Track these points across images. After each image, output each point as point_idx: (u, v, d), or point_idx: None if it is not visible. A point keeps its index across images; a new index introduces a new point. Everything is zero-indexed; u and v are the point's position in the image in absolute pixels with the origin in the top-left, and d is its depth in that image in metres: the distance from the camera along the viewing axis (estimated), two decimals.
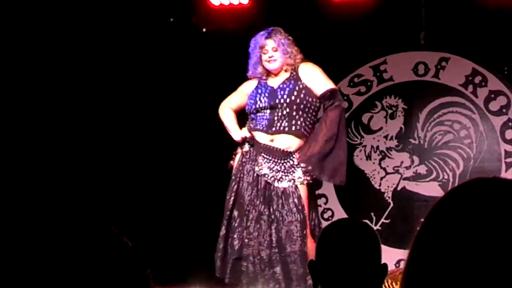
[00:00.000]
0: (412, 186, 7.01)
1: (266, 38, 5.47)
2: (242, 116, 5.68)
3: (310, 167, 5.33)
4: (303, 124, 5.41)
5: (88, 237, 2.04)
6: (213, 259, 5.49)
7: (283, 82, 5.46)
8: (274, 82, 5.52)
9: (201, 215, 6.67)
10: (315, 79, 5.46)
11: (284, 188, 5.33)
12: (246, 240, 5.36)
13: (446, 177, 6.95)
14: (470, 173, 6.87)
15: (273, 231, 5.33)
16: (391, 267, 5.67)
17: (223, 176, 5.83)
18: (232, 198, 5.43)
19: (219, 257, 5.43)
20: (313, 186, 5.53)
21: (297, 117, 5.41)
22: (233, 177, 5.51)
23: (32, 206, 6.83)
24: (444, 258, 1.21)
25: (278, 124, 5.41)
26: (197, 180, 7.06)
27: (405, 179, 7.03)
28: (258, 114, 5.47)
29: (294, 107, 5.38)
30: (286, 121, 5.40)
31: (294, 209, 5.28)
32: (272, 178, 5.36)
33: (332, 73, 5.74)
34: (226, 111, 5.69)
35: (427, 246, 1.25)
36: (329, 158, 5.37)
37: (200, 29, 7.24)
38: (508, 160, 6.86)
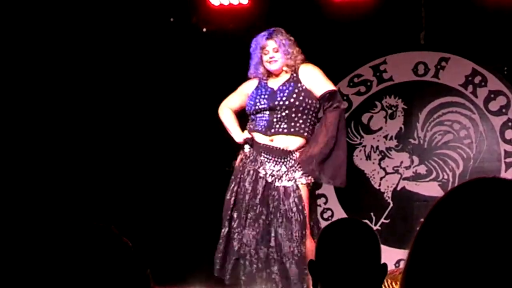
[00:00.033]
0: (411, 186, 7.01)
1: (267, 38, 5.46)
2: (243, 118, 5.67)
3: (310, 168, 5.33)
4: (302, 125, 5.41)
5: (88, 237, 2.04)
6: (213, 259, 5.49)
7: (283, 84, 5.46)
8: (274, 83, 5.52)
9: (201, 215, 6.67)
10: (315, 81, 5.45)
11: (285, 187, 5.33)
12: (244, 240, 5.36)
13: (446, 177, 6.95)
14: (470, 173, 6.87)
15: (272, 230, 5.33)
16: (390, 267, 5.68)
17: (223, 176, 5.84)
18: (232, 198, 5.43)
19: (219, 258, 5.43)
20: (314, 186, 5.53)
21: (296, 118, 5.40)
22: (233, 178, 5.51)
23: (32, 206, 6.83)
24: (443, 258, 1.21)
25: (277, 126, 5.41)
26: (197, 180, 7.06)
27: (404, 179, 7.03)
28: (258, 115, 5.48)
29: (293, 109, 5.38)
30: (285, 123, 5.40)
31: (294, 209, 5.28)
32: (273, 178, 5.36)
33: (332, 73, 5.74)
34: (227, 112, 5.68)
35: (426, 246, 1.25)
36: (328, 160, 5.36)
37: (200, 29, 7.24)
38: (507, 160, 6.86)
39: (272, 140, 5.41)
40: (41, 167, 7.00)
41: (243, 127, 5.63)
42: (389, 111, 7.12)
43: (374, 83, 7.17)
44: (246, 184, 5.40)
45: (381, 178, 7.08)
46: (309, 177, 5.37)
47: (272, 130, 5.41)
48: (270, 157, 5.38)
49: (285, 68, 5.49)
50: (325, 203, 7.01)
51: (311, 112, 5.44)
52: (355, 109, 7.18)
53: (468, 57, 6.94)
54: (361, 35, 7.01)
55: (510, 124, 6.87)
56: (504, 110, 6.89)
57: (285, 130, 5.39)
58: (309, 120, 5.44)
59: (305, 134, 5.41)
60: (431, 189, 6.88)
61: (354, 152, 7.09)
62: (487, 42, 6.81)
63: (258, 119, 5.47)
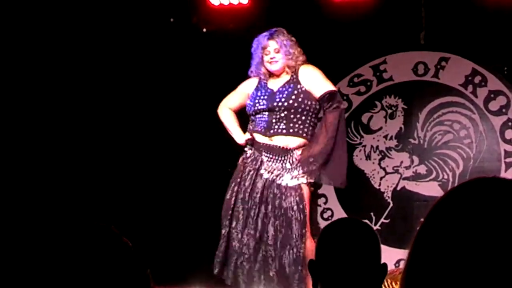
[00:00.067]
0: (411, 186, 7.01)
1: (269, 39, 5.46)
2: (244, 118, 5.67)
3: (310, 168, 5.33)
4: (301, 126, 5.41)
5: (88, 237, 2.04)
6: (213, 259, 5.49)
7: (283, 86, 5.46)
8: (274, 84, 5.52)
9: (201, 215, 6.67)
10: (314, 81, 5.45)
11: (286, 186, 5.33)
12: (244, 240, 5.36)
13: (445, 177, 6.95)
14: (470, 173, 6.87)
15: (271, 229, 5.33)
16: (390, 267, 5.68)
17: (223, 176, 5.84)
18: (233, 198, 5.43)
19: (220, 258, 5.42)
20: (314, 186, 5.53)
21: (295, 119, 5.40)
22: (233, 178, 5.51)
23: (33, 206, 6.83)
24: (443, 258, 1.21)
25: (276, 126, 5.41)
26: (197, 180, 7.06)
27: (404, 179, 7.03)
28: (257, 116, 5.48)
29: (292, 110, 5.39)
30: (284, 124, 5.40)
31: (295, 207, 5.27)
32: (273, 176, 5.36)
33: (332, 73, 5.74)
34: (227, 113, 5.68)
35: (426, 246, 1.25)
36: (329, 160, 5.36)
37: (200, 29, 7.24)
38: (507, 160, 6.86)
39: (271, 140, 5.42)
40: (41, 167, 7.00)
41: (243, 127, 5.64)
42: (389, 111, 7.12)
43: (374, 83, 7.17)
44: (247, 183, 5.40)
45: (381, 178, 7.08)
46: (310, 177, 5.37)
47: (271, 131, 5.42)
48: (271, 156, 5.39)
49: (286, 69, 5.49)
50: (325, 203, 7.01)
51: (310, 114, 5.44)
52: (355, 109, 7.18)
53: (468, 57, 6.94)
54: (361, 35, 7.01)
55: (510, 124, 6.87)
56: (504, 110, 6.89)
57: (284, 131, 5.39)
58: (308, 121, 5.43)
59: (304, 134, 5.41)
60: (431, 189, 6.88)
61: (354, 152, 7.09)
62: (487, 42, 6.81)
63: (257, 120, 5.48)
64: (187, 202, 7.05)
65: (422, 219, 1.31)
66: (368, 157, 7.13)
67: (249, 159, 5.44)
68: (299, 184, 5.33)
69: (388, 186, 7.05)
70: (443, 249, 1.22)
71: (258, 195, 5.35)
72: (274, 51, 5.46)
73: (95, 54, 7.13)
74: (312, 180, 5.39)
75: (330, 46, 6.93)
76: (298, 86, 5.43)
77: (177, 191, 7.12)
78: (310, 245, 5.16)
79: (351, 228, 2.60)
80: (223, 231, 5.42)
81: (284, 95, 5.41)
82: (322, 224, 5.73)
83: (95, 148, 7.17)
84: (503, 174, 6.75)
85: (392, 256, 6.25)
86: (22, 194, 6.86)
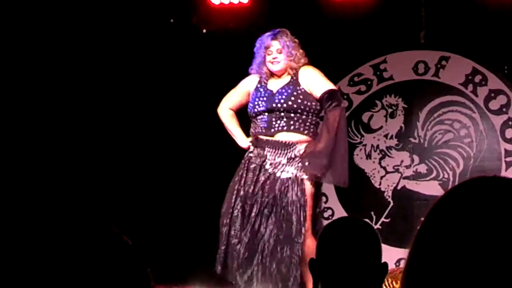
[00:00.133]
0: (412, 185, 7.01)
1: (272, 39, 5.48)
2: (245, 119, 5.68)
3: (313, 168, 5.34)
4: (302, 124, 5.42)
5: (88, 236, 2.04)
6: (213, 259, 5.49)
7: (282, 87, 5.47)
8: (274, 85, 5.53)
9: (201, 215, 6.67)
10: (314, 82, 5.46)
11: (288, 179, 5.34)
12: (244, 238, 5.37)
13: (446, 176, 6.95)
14: (470, 172, 6.86)
15: (271, 226, 5.34)
16: (391, 266, 5.66)
17: (223, 175, 5.84)
18: (233, 197, 5.43)
19: (221, 257, 5.43)
20: (317, 186, 5.53)
21: (295, 118, 5.42)
22: (235, 177, 5.52)
23: (33, 206, 6.83)
24: (444, 257, 1.21)
25: (276, 125, 5.43)
26: (198, 180, 7.06)
27: (405, 178, 7.03)
28: (258, 118, 5.51)
29: (292, 111, 5.41)
30: (284, 121, 5.42)
31: (296, 202, 5.28)
32: (277, 170, 5.37)
33: (332, 72, 5.74)
34: (228, 115, 5.69)
35: (427, 245, 1.25)
36: (331, 160, 5.37)
37: (200, 30, 7.23)
38: (508, 159, 6.86)
39: (274, 137, 5.43)
40: (41, 167, 7.00)
41: (243, 127, 5.65)
42: (390, 110, 7.12)
43: (374, 82, 7.17)
44: (249, 181, 5.41)
45: (381, 177, 7.08)
46: (313, 171, 5.38)
47: (272, 130, 5.43)
48: (274, 150, 5.40)
49: (288, 70, 5.50)
50: (325, 202, 7.01)
51: (310, 114, 5.45)
52: (356, 108, 7.18)
53: (468, 56, 6.94)
54: (361, 34, 7.01)
55: (510, 123, 6.87)
56: (504, 109, 6.89)
57: (285, 128, 5.41)
58: (309, 120, 5.44)
59: (306, 131, 5.42)
60: (432, 188, 6.88)
61: (355, 151, 7.09)
62: (488, 41, 6.81)
63: (258, 121, 5.51)
64: (187, 202, 7.05)
65: (422, 218, 1.31)
66: (368, 156, 7.13)
67: (253, 157, 5.46)
68: (302, 179, 5.34)
69: (388, 185, 7.05)
70: (443, 248, 1.22)
71: (260, 191, 5.36)
72: (276, 51, 5.47)
73: (95, 54, 7.13)
74: (316, 173, 5.37)
75: (330, 45, 6.93)
76: (298, 88, 5.44)
77: (177, 191, 7.12)
78: (311, 244, 5.16)
79: (352, 227, 2.59)
80: (224, 229, 5.42)
81: (283, 97, 5.43)
82: (323, 223, 5.72)
83: (96, 148, 7.17)
84: (503, 173, 6.75)
85: (393, 255, 6.24)
86: (22, 194, 6.86)
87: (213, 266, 5.47)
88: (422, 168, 7.00)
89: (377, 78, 7.16)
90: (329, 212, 7.05)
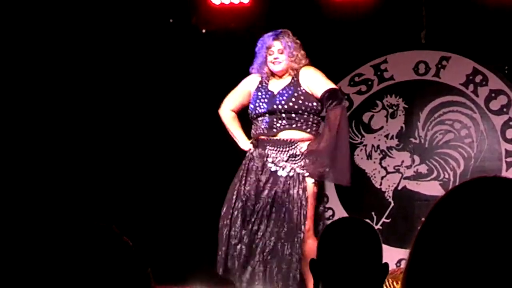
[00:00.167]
0: (413, 186, 7.01)
1: (274, 39, 5.49)
2: (246, 120, 5.68)
3: (316, 167, 5.34)
4: (304, 122, 5.44)
5: (89, 236, 2.04)
6: (213, 259, 5.49)
7: (283, 88, 5.49)
8: (275, 86, 5.54)
9: (201, 215, 6.67)
10: (315, 82, 5.47)
11: (289, 177, 5.34)
12: (245, 239, 5.38)
13: (447, 176, 6.94)
14: (471, 172, 6.86)
15: (272, 225, 5.35)
16: (392, 266, 5.67)
17: (223, 175, 5.84)
18: (234, 197, 5.44)
19: (223, 258, 5.43)
20: (322, 185, 5.52)
21: (296, 118, 5.44)
22: (236, 176, 5.52)
23: (33, 206, 6.83)
24: (445, 257, 1.21)
25: (278, 124, 5.44)
26: (198, 180, 7.06)
27: (405, 178, 7.03)
28: (259, 119, 5.52)
29: (292, 112, 5.43)
30: (286, 121, 5.44)
31: (297, 200, 5.28)
32: (278, 168, 5.37)
33: (332, 72, 5.75)
34: (230, 117, 5.70)
35: (428, 246, 1.25)
36: (333, 158, 5.37)
37: (200, 30, 7.23)
38: (508, 159, 6.85)
39: (276, 136, 5.44)
40: (42, 167, 7.00)
41: (244, 128, 5.66)
42: (390, 110, 7.12)
43: (375, 82, 7.17)
44: (250, 182, 5.42)
45: (382, 178, 7.07)
46: (315, 170, 5.38)
47: (274, 130, 5.45)
48: (275, 148, 5.41)
49: (289, 71, 5.50)
50: (326, 203, 7.00)
51: (311, 115, 5.46)
52: (356, 108, 7.17)
53: (469, 56, 6.94)
54: (361, 34, 7.01)
55: (511, 123, 6.87)
56: (505, 109, 6.89)
57: (287, 126, 5.43)
58: (311, 120, 5.46)
59: (309, 130, 5.44)
60: (432, 189, 6.88)
61: (355, 151, 7.08)
62: (488, 41, 6.80)
63: (259, 122, 5.52)
64: (187, 202, 7.05)
65: (423, 219, 1.31)
66: (369, 156, 7.12)
67: (254, 157, 5.46)
68: (303, 177, 5.34)
69: (389, 186, 7.05)
70: (444, 249, 1.21)
71: (261, 191, 5.37)
72: (278, 52, 5.48)
73: (95, 54, 7.13)
74: (318, 171, 5.37)
75: (330, 45, 6.93)
76: (298, 89, 5.46)
77: (177, 191, 7.12)
78: (312, 244, 5.16)
79: (353, 228, 2.59)
80: (224, 231, 5.42)
81: (284, 98, 5.44)
82: (326, 224, 5.72)
83: (96, 149, 7.17)
84: (504, 174, 6.75)
85: (393, 256, 6.24)
86: (23, 194, 6.86)
87: (214, 268, 5.47)
88: (423, 169, 7.00)
89: (378, 78, 7.16)
90: (330, 212, 7.05)
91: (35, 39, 6.99)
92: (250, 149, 5.54)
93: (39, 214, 6.73)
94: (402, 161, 7.05)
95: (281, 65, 5.50)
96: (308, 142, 5.41)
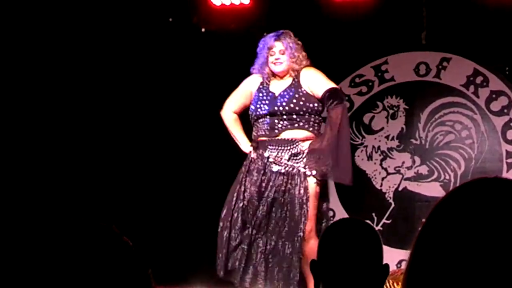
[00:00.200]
0: (413, 187, 7.01)
1: (275, 40, 5.50)
2: (245, 119, 5.68)
3: (318, 166, 5.34)
4: (306, 122, 5.45)
5: (89, 236, 2.04)
6: (214, 259, 5.49)
7: (284, 90, 5.50)
8: (276, 87, 5.54)
9: (202, 215, 6.67)
10: (315, 82, 5.48)
11: (291, 176, 5.34)
12: (245, 240, 5.38)
13: (447, 177, 6.94)
14: (472, 173, 6.86)
15: (273, 224, 5.35)
16: (392, 267, 5.68)
17: (224, 175, 5.84)
18: (234, 199, 5.44)
19: (223, 260, 5.42)
20: (325, 186, 5.52)
21: (298, 119, 5.45)
22: (237, 180, 5.52)
23: (33, 206, 6.83)
24: (445, 259, 1.21)
25: (279, 126, 5.45)
26: (198, 180, 7.06)
27: (406, 179, 7.03)
28: (259, 121, 5.53)
29: (294, 113, 5.44)
30: (287, 121, 5.44)
31: (299, 198, 5.28)
32: (281, 168, 5.38)
33: (333, 73, 5.75)
34: (231, 118, 5.70)
35: (428, 247, 1.25)
36: (334, 157, 5.38)
37: (199, 29, 7.23)
38: (509, 160, 6.85)
39: (277, 137, 5.45)
40: (42, 167, 7.00)
41: (245, 128, 5.66)
42: (391, 111, 7.12)
43: (375, 83, 7.17)
44: (251, 183, 5.42)
45: (382, 179, 7.07)
46: (317, 169, 5.38)
47: (276, 131, 5.46)
48: (276, 147, 5.41)
49: (290, 72, 5.51)
50: (328, 202, 7.00)
51: (312, 115, 5.48)
52: (357, 109, 7.17)
53: (469, 57, 6.94)
54: (362, 35, 7.01)
55: (511, 124, 6.87)
56: (505, 111, 6.89)
57: (288, 127, 5.44)
58: (312, 119, 5.47)
59: (311, 128, 5.45)
60: (433, 190, 6.88)
61: (356, 152, 7.08)
62: (489, 42, 6.80)
63: (260, 124, 5.52)
64: (188, 202, 7.05)
65: (423, 220, 1.31)
66: (369, 157, 7.12)
67: (255, 159, 5.46)
68: (305, 176, 5.34)
69: (389, 187, 7.05)
70: (444, 250, 1.21)
71: (263, 191, 5.37)
72: (279, 52, 5.49)
73: (94, 53, 7.13)
74: (320, 169, 5.37)
75: (331, 46, 6.93)
76: (299, 90, 5.47)
77: (177, 191, 7.12)
78: (314, 245, 5.15)
79: (353, 229, 2.59)
80: (224, 233, 5.42)
81: (285, 99, 5.45)
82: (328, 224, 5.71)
83: (96, 149, 7.17)
84: (504, 175, 6.75)
85: (394, 257, 6.24)
86: (23, 194, 6.86)
87: (214, 270, 5.46)
88: (423, 170, 7.00)
89: (378, 79, 7.16)
90: (330, 213, 7.03)
91: (34, 38, 6.99)
92: (250, 151, 5.54)
93: (39, 214, 6.73)
94: (403, 162, 7.05)
95: (282, 66, 5.51)
96: (309, 141, 5.42)
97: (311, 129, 5.45)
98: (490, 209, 1.22)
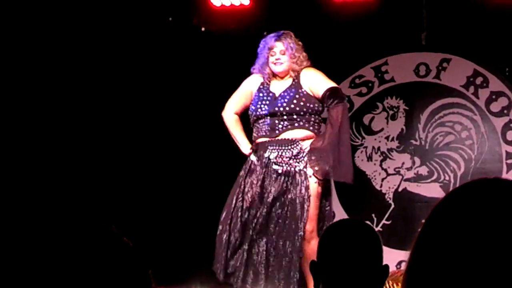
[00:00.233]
0: (413, 187, 7.01)
1: (276, 40, 5.51)
2: (248, 125, 5.68)
3: (320, 165, 5.35)
4: (306, 121, 5.46)
5: (89, 237, 2.04)
6: (213, 259, 5.49)
7: (285, 90, 5.50)
8: (276, 87, 5.55)
9: (202, 216, 6.67)
10: (316, 82, 5.49)
11: (292, 175, 5.34)
12: (246, 241, 5.38)
13: (447, 178, 6.94)
14: (471, 174, 6.86)
15: (273, 225, 5.35)
16: (392, 268, 5.67)
17: (224, 176, 5.84)
18: (233, 202, 5.43)
19: (223, 264, 5.42)
20: (327, 186, 5.52)
21: (298, 119, 5.45)
22: (236, 182, 5.52)
23: (33, 206, 6.83)
24: (445, 259, 1.21)
25: (280, 126, 5.46)
26: (198, 181, 7.06)
27: (406, 180, 7.03)
28: (260, 121, 5.53)
29: (294, 113, 5.44)
30: (287, 122, 5.45)
31: (300, 198, 5.28)
32: (279, 167, 5.38)
33: (333, 74, 5.75)
34: (232, 120, 5.70)
35: (428, 247, 1.25)
36: (336, 155, 5.38)
37: (200, 29, 7.23)
38: (509, 161, 6.85)
39: (278, 137, 5.45)
40: (42, 167, 7.00)
41: (245, 129, 5.66)
42: (391, 112, 7.12)
43: (375, 84, 7.17)
44: (251, 185, 5.42)
45: (382, 179, 7.07)
46: (318, 167, 5.37)
47: (276, 132, 5.46)
48: (277, 147, 5.41)
49: (290, 72, 5.51)
50: (330, 203, 6.99)
51: (313, 115, 5.48)
52: (357, 110, 7.18)
53: (469, 58, 6.94)
54: (362, 36, 7.01)
55: (511, 125, 6.87)
56: (505, 111, 6.89)
57: (289, 127, 5.45)
58: (312, 119, 5.47)
59: (311, 128, 5.45)
60: (433, 190, 6.88)
61: (356, 153, 7.08)
62: (489, 43, 6.81)
63: (260, 125, 5.52)
64: (187, 203, 7.04)
65: (423, 221, 1.31)
66: (369, 158, 7.12)
67: (255, 162, 5.46)
68: (306, 176, 5.34)
69: (389, 187, 7.05)
70: (444, 251, 1.21)
71: (264, 192, 5.37)
72: (280, 53, 5.50)
73: (94, 53, 7.13)
74: (322, 167, 5.37)
75: (331, 47, 6.93)
76: (300, 90, 5.47)
77: (177, 191, 7.12)
78: (315, 245, 5.14)
79: (353, 229, 2.59)
80: (223, 236, 5.41)
81: (286, 100, 5.46)
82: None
83: (95, 149, 7.17)
84: (504, 175, 6.75)
85: (394, 258, 6.24)
86: (23, 194, 6.86)
87: (217, 275, 5.45)
88: (423, 170, 7.00)
89: (378, 80, 7.16)
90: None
91: (35, 39, 6.99)
92: (250, 153, 5.53)
93: (39, 215, 6.73)
94: (403, 163, 7.05)
95: (282, 66, 5.51)
96: (310, 140, 5.42)
97: (311, 128, 5.46)
98: (490, 210, 1.22)
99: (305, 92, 5.47)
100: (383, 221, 6.97)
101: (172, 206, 7.08)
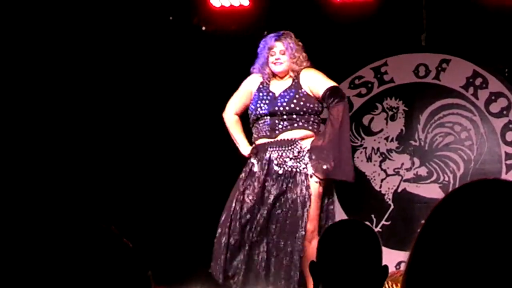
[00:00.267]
0: (412, 188, 7.01)
1: (276, 40, 5.52)
2: (248, 125, 5.68)
3: (320, 164, 5.35)
4: (306, 121, 5.46)
5: (88, 237, 2.04)
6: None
7: (285, 90, 5.50)
8: (276, 87, 5.55)
9: (201, 216, 6.67)
10: (316, 82, 5.49)
11: (293, 175, 5.35)
12: (247, 243, 5.38)
13: (446, 179, 6.94)
14: (471, 175, 6.86)
15: (273, 227, 5.35)
16: (391, 269, 5.68)
17: (224, 176, 5.84)
18: (233, 205, 5.43)
19: (222, 266, 5.42)
20: (328, 186, 5.52)
21: (297, 119, 5.46)
22: (237, 185, 5.52)
23: (33, 206, 6.83)
24: (445, 260, 1.21)
25: (280, 126, 5.46)
26: (198, 181, 7.06)
27: (405, 180, 7.03)
28: (259, 121, 5.53)
29: (294, 113, 5.45)
30: (287, 122, 5.45)
31: (301, 197, 5.28)
32: (280, 167, 5.38)
33: (332, 75, 5.75)
34: (233, 121, 5.71)
35: (428, 248, 1.25)
36: (336, 154, 5.38)
37: (200, 29, 7.23)
38: (508, 162, 6.85)
39: (277, 137, 5.45)
40: (42, 168, 7.00)
41: (245, 130, 5.66)
42: (390, 113, 7.12)
43: (375, 85, 7.17)
44: (251, 187, 5.41)
45: (382, 180, 7.07)
46: (319, 167, 5.38)
47: (276, 132, 5.46)
48: (277, 148, 5.41)
49: (290, 72, 5.52)
50: (332, 203, 6.99)
51: (312, 115, 5.49)
52: (356, 111, 7.17)
53: (469, 58, 6.94)
54: (362, 37, 7.01)
55: (511, 126, 6.87)
56: (505, 112, 6.89)
57: (289, 127, 5.45)
58: (312, 119, 5.48)
59: (310, 128, 5.45)
60: (432, 191, 6.88)
61: (355, 154, 7.07)
62: (488, 43, 6.81)
63: (260, 125, 5.52)
64: (187, 203, 7.04)
65: (423, 221, 1.31)
66: (369, 159, 7.12)
67: (255, 163, 5.46)
68: (307, 175, 5.34)
69: (389, 188, 7.05)
70: (444, 251, 1.22)
71: (265, 192, 5.37)
72: (279, 53, 5.51)
73: (94, 53, 7.13)
74: (322, 166, 5.36)
75: (331, 47, 6.93)
76: (300, 91, 5.48)
77: (177, 192, 7.11)
78: (316, 245, 5.14)
79: (352, 230, 2.60)
80: (223, 239, 5.41)
81: (286, 100, 5.46)
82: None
83: (96, 149, 7.17)
84: (504, 176, 6.74)
85: (393, 258, 6.24)
86: (22, 194, 6.86)
87: (216, 277, 5.45)
88: (423, 171, 7.00)
89: (378, 81, 7.16)
90: None
91: (35, 39, 6.99)
92: (249, 154, 5.53)
93: (38, 215, 6.73)
94: (402, 164, 7.05)
95: (282, 66, 5.52)
96: (310, 139, 5.42)
97: (310, 127, 5.46)
98: (489, 210, 1.23)
99: (305, 92, 5.48)
100: (383, 222, 6.97)
101: (172, 207, 7.08)
